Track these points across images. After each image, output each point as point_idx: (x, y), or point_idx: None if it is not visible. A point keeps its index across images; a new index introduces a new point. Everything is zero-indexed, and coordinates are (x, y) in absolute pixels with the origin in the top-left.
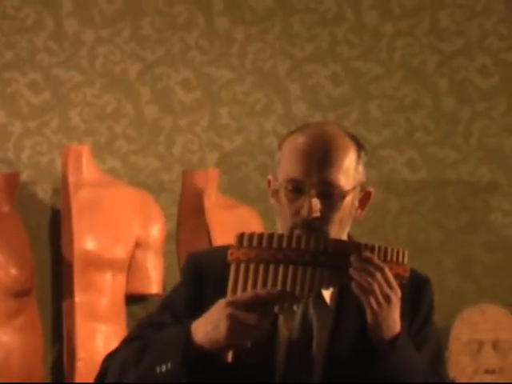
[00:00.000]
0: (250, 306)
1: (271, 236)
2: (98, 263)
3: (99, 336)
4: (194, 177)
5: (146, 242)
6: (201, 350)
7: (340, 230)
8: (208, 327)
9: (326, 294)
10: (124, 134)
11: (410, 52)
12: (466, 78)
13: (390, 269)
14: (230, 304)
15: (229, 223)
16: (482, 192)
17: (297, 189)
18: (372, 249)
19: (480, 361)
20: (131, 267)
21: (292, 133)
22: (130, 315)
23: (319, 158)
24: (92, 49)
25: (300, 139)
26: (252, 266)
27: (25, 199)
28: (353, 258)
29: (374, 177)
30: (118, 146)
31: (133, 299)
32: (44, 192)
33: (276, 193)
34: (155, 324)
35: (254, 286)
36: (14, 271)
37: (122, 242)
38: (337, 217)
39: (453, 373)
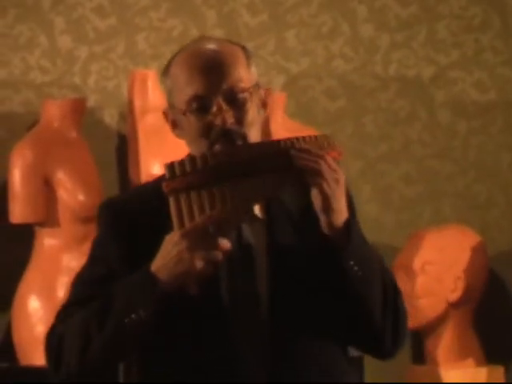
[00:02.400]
0: (205, 231)
1: (205, 157)
2: None
3: None
4: None
5: None
6: (169, 289)
7: (255, 131)
8: (171, 264)
9: (255, 206)
10: None
11: None
12: None
13: (327, 154)
14: (185, 235)
15: None
16: None
17: (202, 105)
18: (304, 140)
19: None
20: None
21: (174, 57)
22: None
23: (214, 67)
24: None
25: (189, 57)
26: (193, 194)
27: (91, 125)
28: (293, 152)
29: (442, 98)
30: None
31: None
32: (110, 117)
33: (177, 122)
34: (95, 280)
35: (202, 212)
36: (81, 197)
37: None
38: (249, 118)
39: None
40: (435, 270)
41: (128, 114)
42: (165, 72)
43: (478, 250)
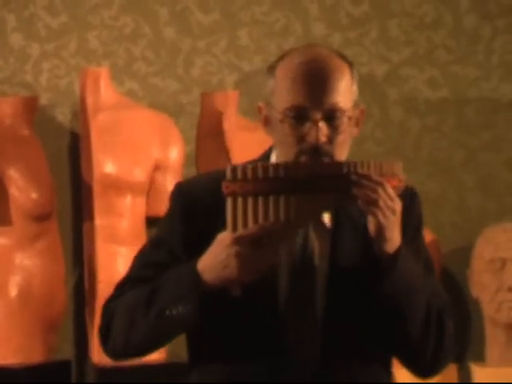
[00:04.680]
0: (256, 241)
1: (266, 167)
2: (117, 186)
3: (119, 258)
4: (214, 99)
5: (166, 164)
6: (211, 290)
7: (344, 151)
8: (217, 267)
9: (325, 214)
10: (142, 56)
11: None
12: None
13: (387, 182)
14: (236, 241)
15: (248, 145)
16: (504, 109)
17: (300, 115)
18: (368, 165)
19: (503, 279)
20: (151, 190)
21: (283, 58)
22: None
23: (319, 82)
24: None
25: (295, 64)
26: (250, 199)
27: (44, 123)
28: (353, 177)
29: (395, 96)
30: (137, 68)
31: (153, 221)
32: (63, 115)
33: (270, 120)
34: (154, 263)
35: (256, 219)
36: (33, 195)
37: (141, 164)
38: (341, 139)
39: (475, 291)
40: None
41: (80, 112)
42: (270, 69)
43: (430, 248)
